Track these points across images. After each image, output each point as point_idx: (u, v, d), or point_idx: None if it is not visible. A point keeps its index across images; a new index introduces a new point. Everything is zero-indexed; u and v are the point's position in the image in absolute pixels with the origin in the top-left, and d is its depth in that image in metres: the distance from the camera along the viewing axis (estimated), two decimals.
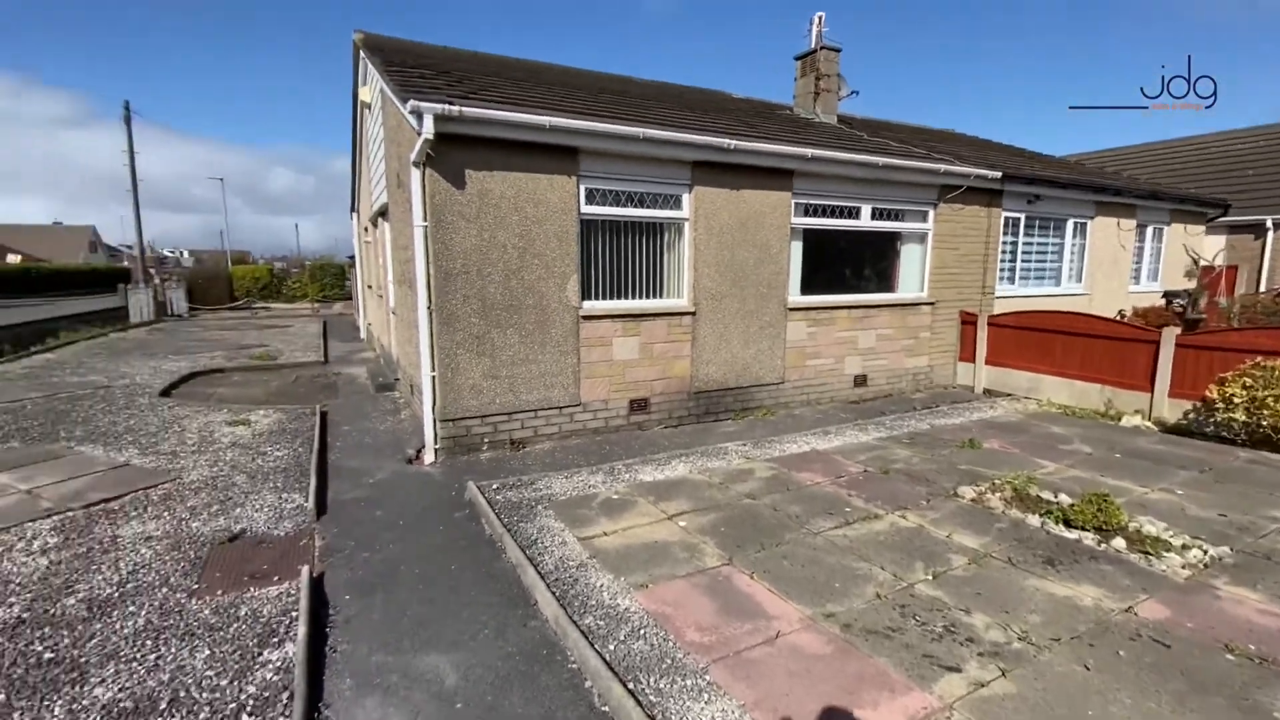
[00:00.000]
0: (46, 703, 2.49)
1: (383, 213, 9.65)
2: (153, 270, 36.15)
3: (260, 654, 2.85)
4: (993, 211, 9.26)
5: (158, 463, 5.39)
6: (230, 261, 40.57)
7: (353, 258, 21.22)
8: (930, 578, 3.57)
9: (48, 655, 2.78)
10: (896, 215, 8.52)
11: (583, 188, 6.24)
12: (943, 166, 8.23)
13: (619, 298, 6.73)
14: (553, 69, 10.83)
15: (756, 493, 4.94)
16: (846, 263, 9.30)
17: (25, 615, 3.09)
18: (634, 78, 12.20)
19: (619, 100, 8.06)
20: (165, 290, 21.15)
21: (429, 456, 5.86)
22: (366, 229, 13.48)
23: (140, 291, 18.51)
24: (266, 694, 2.58)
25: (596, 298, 6.58)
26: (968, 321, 9.20)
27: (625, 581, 3.53)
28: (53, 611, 3.13)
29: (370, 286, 13.53)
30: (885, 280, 8.99)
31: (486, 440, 6.04)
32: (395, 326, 9.01)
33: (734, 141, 6.63)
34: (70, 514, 4.29)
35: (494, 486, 4.94)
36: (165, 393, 8.37)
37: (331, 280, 31.09)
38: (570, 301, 6.27)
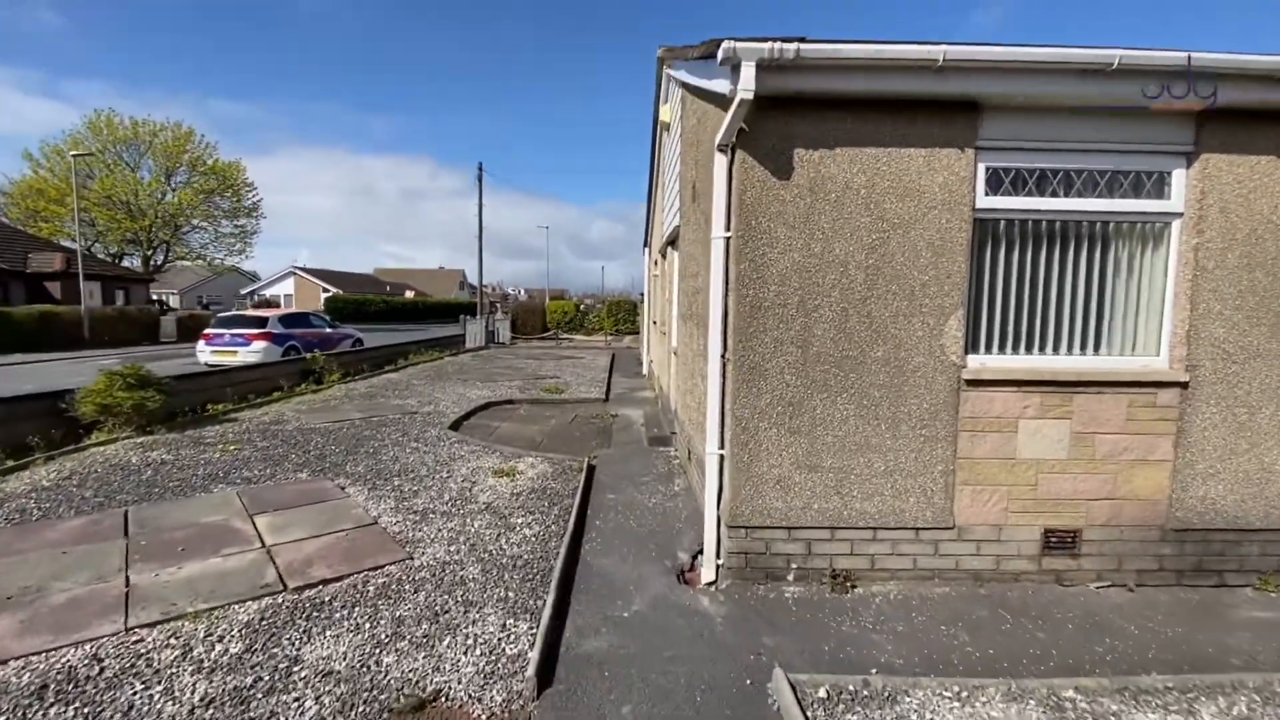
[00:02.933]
0: None
1: (672, 240, 8.45)
2: (496, 304, 43.61)
3: None
4: None
5: (403, 527, 4.53)
6: (549, 297, 47.01)
7: (642, 295, 21.73)
8: None
9: None
10: None
11: (982, 166, 3.75)
12: None
13: (1029, 351, 3.98)
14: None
15: None
16: None
17: None
18: None
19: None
20: (494, 322, 24.43)
21: (707, 573, 3.95)
22: (656, 262, 12.83)
23: (474, 322, 21.47)
24: None
25: (989, 350, 3.95)
26: None
27: None
28: None
29: (655, 322, 12.78)
30: None
31: (794, 566, 3.87)
32: (676, 370, 7.57)
33: None
34: (279, 600, 3.43)
35: (820, 693, 2.70)
36: (455, 425, 8.27)
37: (624, 315, 33.10)
38: (946, 354, 3.78)
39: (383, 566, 3.85)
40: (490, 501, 5.17)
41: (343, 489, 5.34)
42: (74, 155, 24.21)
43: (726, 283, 3.82)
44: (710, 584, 3.91)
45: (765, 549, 3.84)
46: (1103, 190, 3.84)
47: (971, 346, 3.90)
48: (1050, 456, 3.86)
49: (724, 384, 3.88)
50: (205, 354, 14.31)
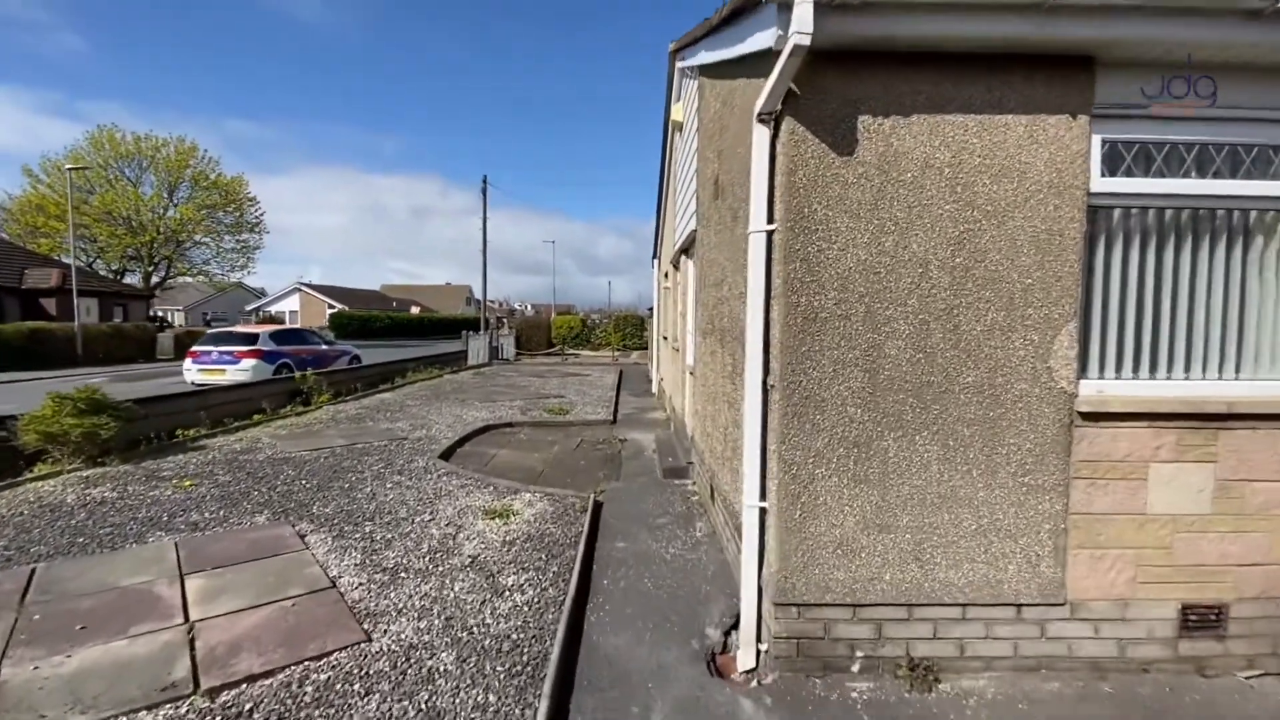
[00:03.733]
0: None
1: (687, 248, 7.67)
2: (503, 319, 43.01)
3: None
4: None
5: (365, 592, 3.69)
6: (555, 313, 46.32)
7: (651, 309, 21.01)
8: None
9: None
10: None
11: (1097, 139, 2.93)
12: None
13: (1153, 374, 3.13)
14: None
15: None
16: None
17: None
18: None
19: None
20: (499, 337, 23.70)
21: (745, 658, 3.09)
22: (667, 274, 12.06)
23: (477, 338, 20.73)
24: None
25: (1103, 373, 3.11)
26: None
27: None
28: None
29: (665, 338, 11.97)
30: None
31: (860, 654, 3.00)
32: (693, 391, 6.75)
33: None
34: (182, 712, 2.58)
35: None
36: (446, 453, 7.44)
37: (631, 330, 32.35)
38: (1055, 379, 2.94)
39: (330, 654, 3.00)
40: (476, 554, 4.33)
41: (303, 537, 4.51)
42: (70, 169, 23.83)
43: (768, 289, 3.00)
44: (749, 673, 3.05)
45: (824, 633, 2.98)
46: (1248, 169, 3.02)
47: (1085, 368, 3.06)
48: (1189, 511, 3.00)
49: (766, 417, 3.05)
50: (192, 372, 13.58)
